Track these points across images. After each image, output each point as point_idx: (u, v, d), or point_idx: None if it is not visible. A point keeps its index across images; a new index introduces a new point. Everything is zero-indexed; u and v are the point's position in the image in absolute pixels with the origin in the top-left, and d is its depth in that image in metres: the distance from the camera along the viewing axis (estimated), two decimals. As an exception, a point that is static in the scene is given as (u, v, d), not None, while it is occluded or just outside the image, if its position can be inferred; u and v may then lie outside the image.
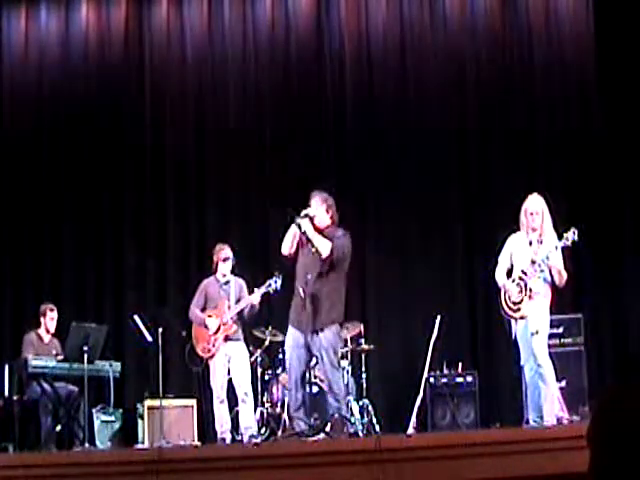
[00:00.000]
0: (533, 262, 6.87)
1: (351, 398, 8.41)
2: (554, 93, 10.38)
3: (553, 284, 6.96)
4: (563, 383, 7.22)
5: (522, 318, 6.93)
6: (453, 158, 10.50)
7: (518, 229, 7.12)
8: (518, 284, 6.93)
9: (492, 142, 10.42)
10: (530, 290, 6.87)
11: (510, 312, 6.99)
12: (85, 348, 8.27)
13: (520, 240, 7.07)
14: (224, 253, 8.32)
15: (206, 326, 8.18)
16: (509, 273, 7.10)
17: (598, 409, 1.84)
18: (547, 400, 6.79)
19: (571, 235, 6.77)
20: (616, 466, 1.77)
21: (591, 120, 10.27)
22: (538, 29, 10.58)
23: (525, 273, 6.90)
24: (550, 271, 6.88)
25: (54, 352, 8.73)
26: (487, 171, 10.40)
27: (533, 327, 6.86)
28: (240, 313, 8.22)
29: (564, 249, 6.89)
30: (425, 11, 10.75)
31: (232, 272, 8.41)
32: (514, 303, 6.95)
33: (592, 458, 1.82)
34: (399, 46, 10.72)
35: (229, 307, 8.20)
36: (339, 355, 7.15)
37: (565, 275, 6.91)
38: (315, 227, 7.09)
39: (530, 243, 6.98)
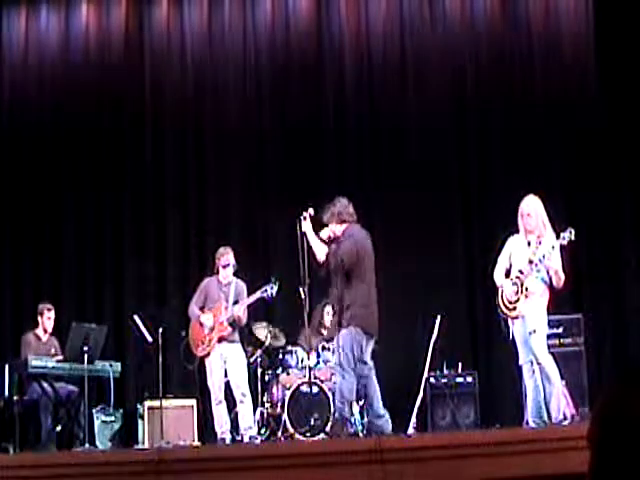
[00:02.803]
0: (530, 262, 6.87)
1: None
2: (554, 93, 10.38)
3: (551, 285, 6.96)
4: (563, 383, 7.21)
5: (517, 317, 6.93)
6: (453, 158, 10.51)
7: (517, 231, 7.13)
8: (515, 283, 6.93)
9: (492, 142, 10.42)
10: (526, 289, 6.86)
11: (506, 311, 6.99)
12: (85, 348, 8.27)
13: (519, 241, 7.07)
14: (225, 260, 8.32)
15: (201, 324, 8.21)
16: (508, 274, 7.10)
17: (598, 409, 1.84)
18: (552, 397, 6.79)
19: (567, 234, 6.77)
20: (617, 467, 1.77)
21: (591, 120, 10.26)
22: (538, 29, 10.58)
23: (522, 272, 6.91)
24: (548, 271, 6.88)
25: (52, 351, 8.73)
26: (487, 171, 10.40)
27: (530, 326, 6.85)
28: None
29: (562, 248, 6.89)
30: (425, 11, 10.76)
31: (234, 274, 8.42)
32: (510, 302, 6.95)
33: (592, 459, 1.82)
34: (399, 46, 10.72)
35: (226, 308, 8.21)
36: (355, 358, 6.91)
37: (563, 276, 6.90)
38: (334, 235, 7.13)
39: (529, 244, 6.99)
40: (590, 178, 10.03)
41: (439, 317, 8.69)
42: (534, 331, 6.83)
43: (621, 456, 1.75)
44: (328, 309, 9.00)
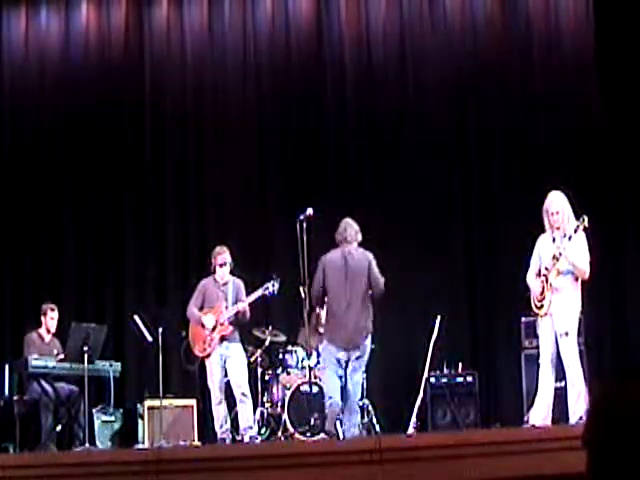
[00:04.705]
0: (554, 257, 6.84)
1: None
2: (554, 92, 10.37)
3: (577, 278, 6.90)
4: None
5: (546, 315, 6.88)
6: (453, 158, 10.51)
7: (544, 230, 7.09)
8: (541, 281, 6.90)
9: (492, 142, 10.42)
10: (551, 285, 6.83)
11: (536, 310, 6.96)
12: (85, 348, 8.27)
13: (546, 239, 7.03)
14: (221, 258, 8.32)
15: (203, 325, 8.20)
16: (539, 274, 7.04)
17: (591, 412, 1.83)
18: (572, 400, 6.77)
19: (580, 222, 6.73)
20: (612, 466, 1.77)
21: (591, 119, 10.26)
22: (538, 29, 10.58)
23: (547, 269, 6.87)
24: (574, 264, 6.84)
25: (55, 352, 8.74)
26: (487, 171, 10.40)
27: (562, 328, 6.79)
28: (235, 315, 8.23)
29: (587, 238, 6.86)
30: (425, 11, 10.75)
31: (231, 273, 8.41)
32: (538, 300, 6.92)
33: (589, 458, 1.81)
34: (399, 46, 10.72)
35: (226, 307, 8.21)
36: (323, 361, 7.70)
37: (583, 268, 6.82)
38: None
39: (554, 240, 6.94)
40: (590, 178, 10.02)
41: (439, 317, 8.69)
42: (566, 334, 6.77)
43: (615, 454, 1.75)
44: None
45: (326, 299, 7.52)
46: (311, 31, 10.84)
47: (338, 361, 7.40)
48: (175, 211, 10.66)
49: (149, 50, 10.92)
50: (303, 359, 8.61)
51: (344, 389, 7.40)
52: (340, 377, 7.40)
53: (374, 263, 7.51)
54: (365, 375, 8.05)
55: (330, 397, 7.34)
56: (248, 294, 8.31)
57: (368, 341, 7.45)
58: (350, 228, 7.61)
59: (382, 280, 7.50)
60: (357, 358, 7.41)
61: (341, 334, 7.38)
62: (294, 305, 8.47)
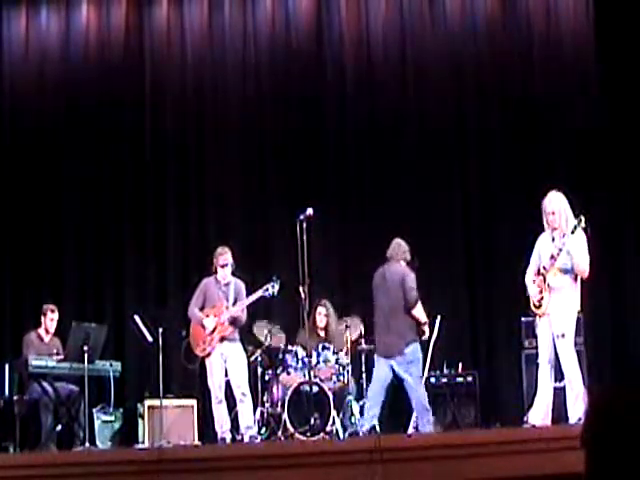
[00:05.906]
0: (552, 257, 6.84)
1: (351, 398, 8.42)
2: (554, 92, 10.38)
3: (576, 278, 6.90)
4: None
5: (544, 315, 6.88)
6: (453, 158, 10.51)
7: (544, 230, 7.10)
8: (540, 280, 6.90)
9: (492, 142, 10.42)
10: (548, 285, 6.83)
11: (535, 310, 6.97)
12: (85, 348, 8.27)
13: (545, 239, 7.04)
14: (223, 259, 8.31)
15: (203, 325, 8.20)
16: (539, 273, 7.04)
17: (590, 413, 1.84)
18: (570, 402, 6.77)
19: (577, 222, 6.74)
20: (610, 467, 1.77)
21: (591, 119, 10.26)
22: (538, 29, 10.58)
23: (545, 268, 6.88)
24: (572, 264, 6.82)
25: (54, 351, 8.74)
26: (487, 171, 10.40)
27: (559, 329, 6.80)
28: (232, 318, 8.22)
29: (587, 236, 6.87)
30: (425, 11, 10.76)
31: (232, 274, 8.41)
32: (537, 300, 6.93)
33: (587, 459, 1.82)
34: (399, 46, 10.72)
35: (227, 308, 8.21)
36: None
37: (582, 264, 6.81)
38: None
39: (553, 239, 6.95)
40: (591, 178, 10.02)
41: (439, 317, 8.69)
42: (563, 335, 6.77)
43: (614, 454, 1.75)
44: (320, 309, 9.00)
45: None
46: (311, 31, 10.84)
47: (381, 366, 7.76)
48: (175, 211, 10.66)
49: (149, 50, 10.92)
50: (303, 359, 8.61)
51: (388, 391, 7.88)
52: (383, 384, 7.76)
53: (408, 278, 7.77)
54: (423, 383, 8.07)
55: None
56: (248, 295, 8.31)
57: (411, 348, 7.66)
58: (398, 247, 7.96)
59: (413, 294, 7.73)
60: (400, 364, 7.67)
61: (379, 343, 7.83)
62: (294, 305, 8.47)
